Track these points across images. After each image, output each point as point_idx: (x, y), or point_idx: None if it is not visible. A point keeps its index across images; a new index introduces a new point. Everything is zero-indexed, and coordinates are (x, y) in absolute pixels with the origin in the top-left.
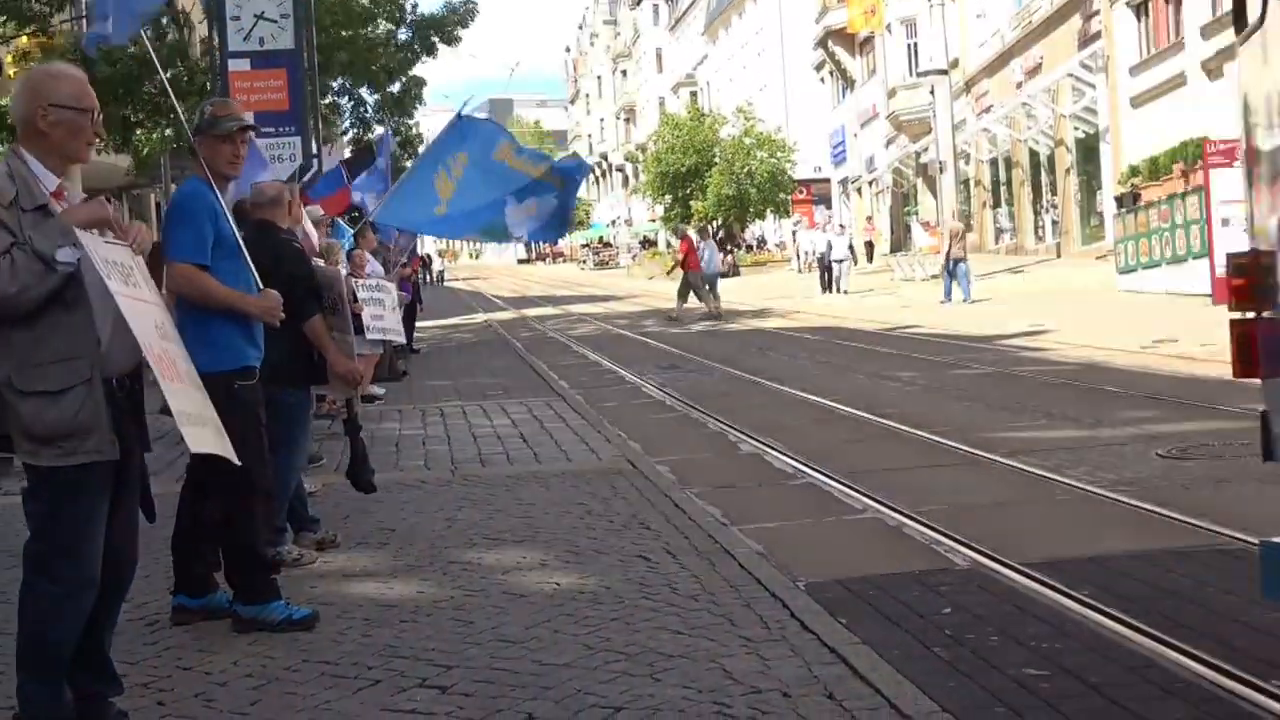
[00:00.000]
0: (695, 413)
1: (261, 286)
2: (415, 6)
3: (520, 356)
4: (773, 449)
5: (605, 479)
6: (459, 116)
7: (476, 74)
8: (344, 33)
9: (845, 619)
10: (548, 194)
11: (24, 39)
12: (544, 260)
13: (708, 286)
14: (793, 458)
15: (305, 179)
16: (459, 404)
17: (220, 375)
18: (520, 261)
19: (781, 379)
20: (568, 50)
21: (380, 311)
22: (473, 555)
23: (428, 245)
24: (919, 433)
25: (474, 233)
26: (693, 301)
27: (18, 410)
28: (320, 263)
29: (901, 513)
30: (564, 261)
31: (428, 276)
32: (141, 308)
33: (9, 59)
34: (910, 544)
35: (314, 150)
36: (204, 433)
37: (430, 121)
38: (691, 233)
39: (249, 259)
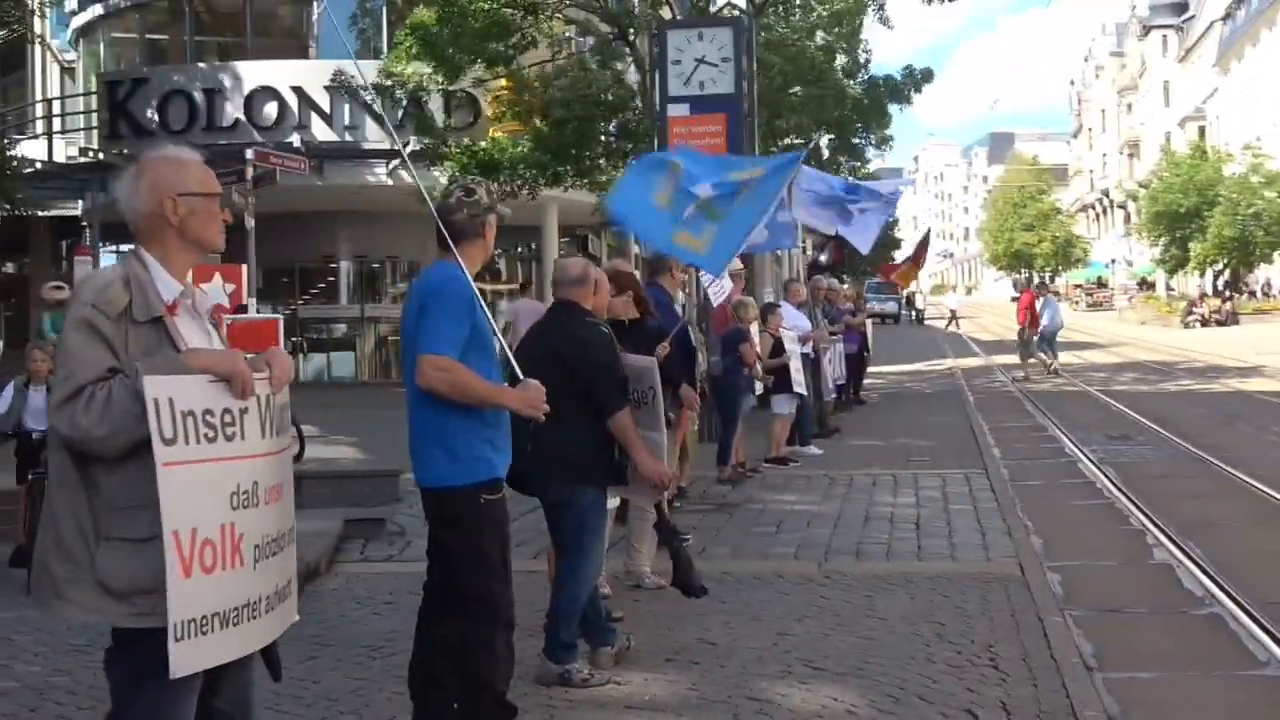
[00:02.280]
0: (1122, 501)
1: (521, 377)
2: (868, 61)
3: (966, 414)
4: (1189, 558)
5: (981, 588)
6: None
7: (967, 109)
8: (794, 91)
9: None
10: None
11: (503, 81)
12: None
13: (1043, 342)
14: (1208, 573)
15: None
16: (873, 472)
17: (465, 490)
18: (1013, 299)
19: (1236, 460)
20: (1071, 83)
21: (800, 365)
22: (780, 691)
23: (914, 283)
24: None
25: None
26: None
27: (93, 557)
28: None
29: None
30: (1058, 300)
31: (911, 314)
32: (212, 472)
33: (489, 99)
34: None
35: None
36: (220, 641)
37: (927, 156)
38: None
39: (509, 352)
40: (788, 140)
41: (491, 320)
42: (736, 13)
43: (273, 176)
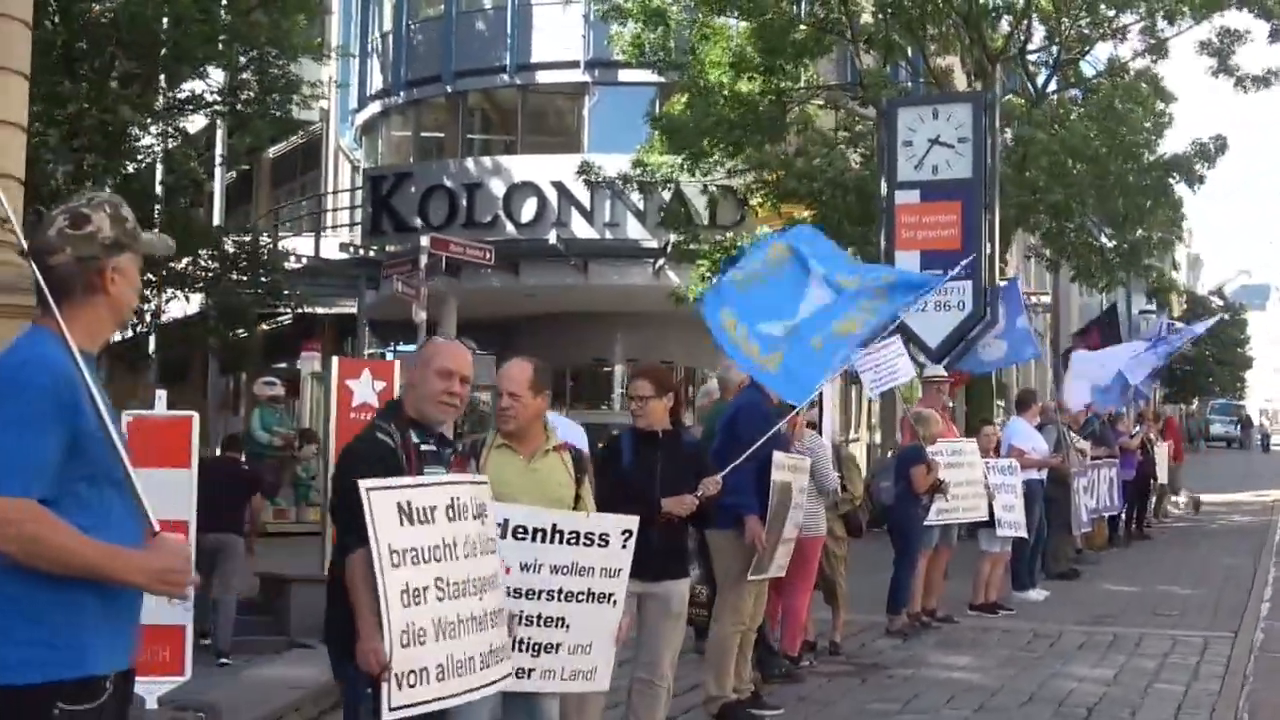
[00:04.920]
0: None
1: (155, 527)
2: (1154, 144)
3: (1259, 557)
4: None
5: None
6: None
7: None
8: (1074, 167)
9: None
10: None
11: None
12: None
13: None
14: None
15: (974, 331)
16: (1090, 629)
17: (31, 690)
18: None
19: None
20: None
21: (1011, 500)
22: None
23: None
24: None
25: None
26: None
27: None
28: None
29: None
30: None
31: (1246, 440)
32: None
33: (755, 195)
34: None
35: (985, 297)
36: None
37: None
38: None
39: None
40: (1072, 238)
41: (112, 428)
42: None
43: (454, 269)
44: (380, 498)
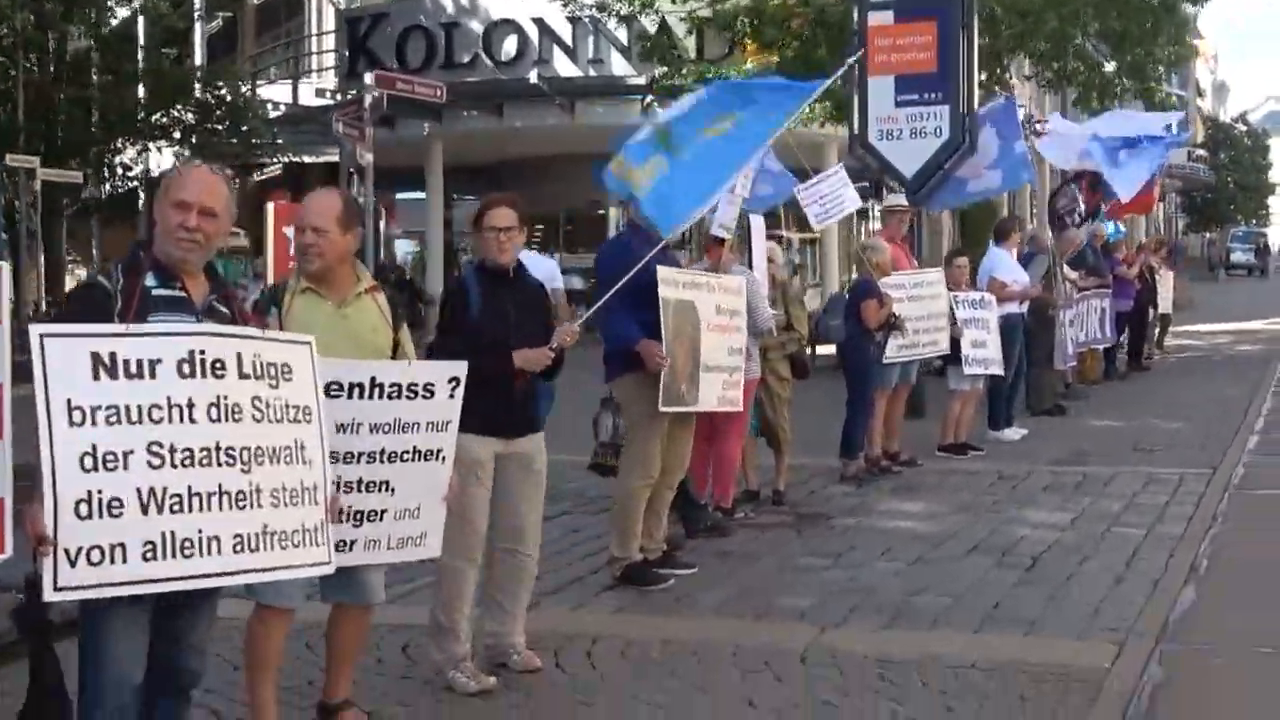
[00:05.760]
0: None
1: None
2: None
3: (1256, 388)
4: None
5: (1030, 691)
6: None
7: None
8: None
9: None
10: None
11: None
12: None
13: None
14: None
15: (951, 159)
16: (1060, 469)
17: None
18: None
19: None
20: None
21: (982, 336)
22: None
23: None
24: None
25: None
26: None
27: None
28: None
29: None
30: None
31: (1265, 266)
32: None
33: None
34: None
35: (964, 124)
36: None
37: None
38: None
39: None
40: (1063, 65)
41: None
42: None
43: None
44: (60, 345)
